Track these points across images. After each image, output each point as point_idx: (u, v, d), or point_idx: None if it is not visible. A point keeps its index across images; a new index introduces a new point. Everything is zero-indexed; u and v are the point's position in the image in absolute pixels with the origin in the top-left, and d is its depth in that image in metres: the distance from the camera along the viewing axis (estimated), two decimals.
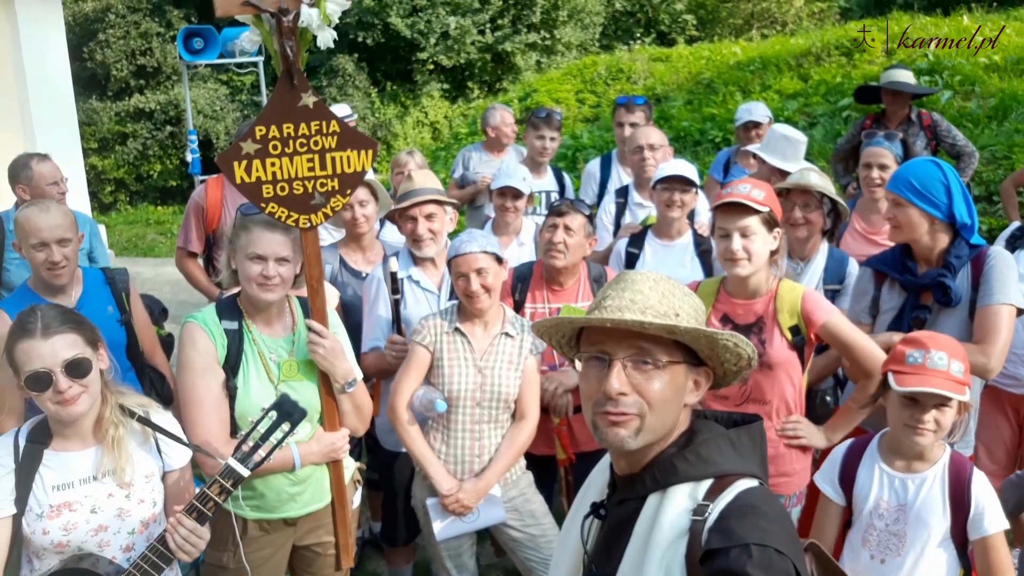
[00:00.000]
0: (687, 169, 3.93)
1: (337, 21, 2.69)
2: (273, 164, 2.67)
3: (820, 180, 3.63)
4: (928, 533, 2.49)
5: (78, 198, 9.23)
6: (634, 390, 1.54)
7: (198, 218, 4.62)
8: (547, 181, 5.42)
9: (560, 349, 1.76)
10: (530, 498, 3.35)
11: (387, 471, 3.74)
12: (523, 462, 3.37)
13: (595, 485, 1.79)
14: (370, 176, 3.53)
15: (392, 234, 4.35)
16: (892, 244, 3.30)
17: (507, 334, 3.25)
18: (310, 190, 2.71)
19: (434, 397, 3.16)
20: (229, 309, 2.81)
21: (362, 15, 15.26)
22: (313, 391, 2.82)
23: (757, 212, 2.91)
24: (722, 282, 3.12)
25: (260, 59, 11.05)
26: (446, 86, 16.18)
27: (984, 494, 2.47)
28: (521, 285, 3.64)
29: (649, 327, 1.53)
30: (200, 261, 4.78)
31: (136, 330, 3.56)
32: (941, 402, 2.45)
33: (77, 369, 2.23)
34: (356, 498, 3.20)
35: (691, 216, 4.13)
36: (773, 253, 3.00)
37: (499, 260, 3.21)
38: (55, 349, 2.21)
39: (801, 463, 3.07)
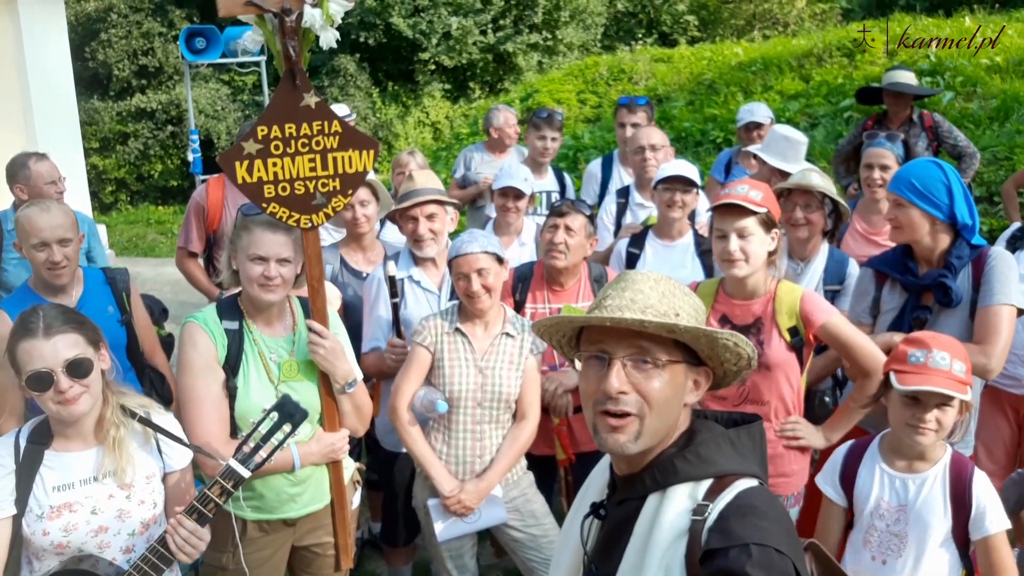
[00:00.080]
0: (688, 170, 3.94)
1: (340, 21, 2.69)
2: (275, 164, 2.67)
3: (821, 180, 3.63)
4: (929, 533, 2.49)
5: (79, 198, 9.24)
6: (634, 389, 1.55)
7: (199, 218, 4.62)
8: (548, 181, 5.42)
9: (560, 349, 1.77)
10: (531, 498, 3.35)
11: (387, 472, 3.74)
12: (524, 462, 3.38)
13: (595, 485, 1.79)
14: (371, 176, 3.52)
15: (392, 234, 4.35)
16: (893, 245, 3.30)
17: (508, 334, 3.25)
18: (311, 190, 2.71)
19: (435, 398, 3.16)
20: (229, 309, 2.81)
21: (364, 15, 15.25)
22: (313, 391, 2.82)
23: (754, 213, 2.90)
24: (721, 283, 3.12)
25: (262, 59, 11.06)
26: (447, 86, 16.17)
27: (985, 494, 2.47)
28: (522, 285, 3.64)
29: (649, 326, 1.53)
30: (200, 261, 4.78)
31: (136, 330, 3.56)
32: (943, 401, 2.46)
33: (78, 369, 2.23)
34: (356, 499, 3.20)
35: (692, 217, 4.14)
36: (771, 254, 2.99)
37: (500, 260, 3.21)
38: (56, 349, 2.21)
39: (799, 464, 3.08)
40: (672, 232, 4.03)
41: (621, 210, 4.67)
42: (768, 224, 2.96)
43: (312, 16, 2.62)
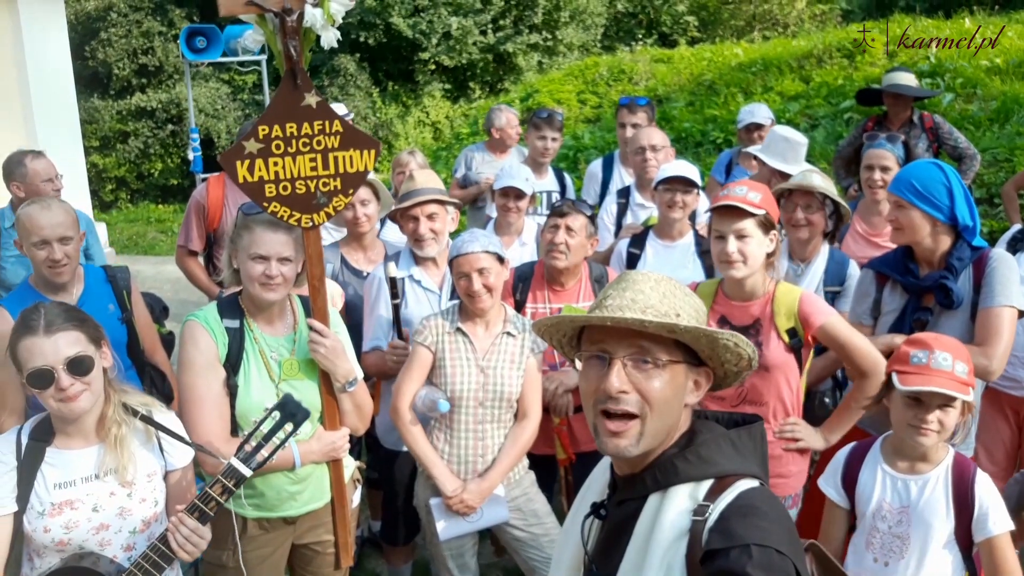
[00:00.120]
0: (689, 170, 3.94)
1: (341, 21, 2.69)
2: (276, 163, 2.67)
3: (822, 181, 3.63)
4: (931, 535, 2.49)
5: (79, 196, 9.26)
6: (634, 389, 1.54)
7: (199, 217, 4.62)
8: (548, 181, 5.43)
9: (561, 348, 1.77)
10: (532, 497, 3.35)
11: (387, 470, 3.74)
12: (526, 461, 3.38)
13: (595, 485, 1.79)
14: (371, 176, 3.53)
15: (393, 233, 4.35)
16: (893, 246, 3.31)
17: (509, 333, 3.25)
18: (312, 189, 2.72)
19: (437, 397, 3.16)
20: (230, 308, 2.81)
21: (364, 15, 15.25)
22: (314, 390, 2.82)
23: (753, 215, 2.91)
24: (720, 284, 3.12)
25: (263, 58, 11.05)
26: (448, 86, 16.17)
27: (988, 495, 2.47)
28: (522, 285, 3.65)
29: (649, 326, 1.53)
30: (200, 259, 4.78)
31: (137, 328, 3.56)
32: (945, 402, 2.46)
33: (79, 367, 2.23)
34: (356, 497, 3.20)
35: (692, 217, 4.14)
36: (769, 256, 3.00)
37: (501, 260, 3.21)
38: (57, 346, 2.21)
39: (798, 465, 3.08)
40: (673, 232, 4.03)
41: (622, 210, 4.67)
42: (767, 226, 2.96)
43: (313, 16, 2.62)
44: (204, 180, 4.85)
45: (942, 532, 2.49)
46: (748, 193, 2.93)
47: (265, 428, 2.35)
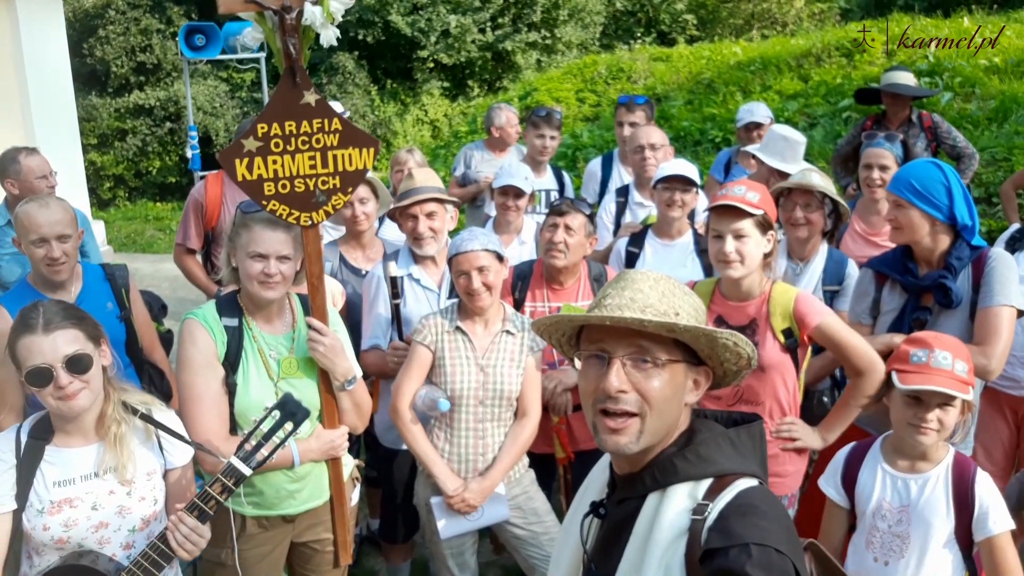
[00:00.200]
0: (688, 169, 3.94)
1: (340, 19, 2.69)
2: (275, 161, 2.67)
3: (822, 180, 3.64)
4: (932, 534, 2.49)
5: (77, 194, 9.26)
6: (633, 388, 1.54)
7: (197, 215, 4.61)
8: (547, 180, 5.43)
9: (560, 348, 1.76)
10: (532, 496, 3.35)
11: (386, 469, 3.74)
12: (526, 460, 3.38)
13: (595, 484, 1.79)
14: (370, 174, 3.53)
15: (391, 232, 4.35)
16: (891, 245, 3.31)
17: (508, 332, 3.25)
18: (311, 188, 2.71)
19: (437, 396, 3.16)
20: (229, 306, 2.81)
21: (363, 13, 15.25)
22: (313, 389, 2.82)
23: (751, 215, 2.91)
24: (717, 284, 3.12)
25: (262, 55, 11.04)
26: (446, 84, 16.17)
27: (989, 494, 2.47)
28: (521, 283, 3.65)
29: (649, 325, 1.53)
30: (198, 257, 4.78)
31: (135, 326, 3.56)
32: (944, 401, 2.46)
33: (78, 365, 2.23)
34: (355, 495, 3.20)
35: (691, 216, 4.14)
36: (766, 256, 3.00)
37: (500, 258, 3.21)
38: (56, 345, 2.21)
39: (795, 465, 3.08)
40: (671, 231, 4.03)
41: (620, 209, 4.67)
42: (764, 226, 2.96)
43: (312, 14, 2.62)
44: (202, 178, 4.84)
45: (942, 531, 2.49)
46: (746, 193, 2.92)
47: (265, 427, 2.35)
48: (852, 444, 2.76)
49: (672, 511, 1.53)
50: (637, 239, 4.09)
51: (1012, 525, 2.47)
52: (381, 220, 4.49)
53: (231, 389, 2.72)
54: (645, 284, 1.60)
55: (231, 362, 2.73)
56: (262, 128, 2.65)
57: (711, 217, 3.02)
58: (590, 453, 3.46)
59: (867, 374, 2.86)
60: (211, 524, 2.34)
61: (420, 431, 3.23)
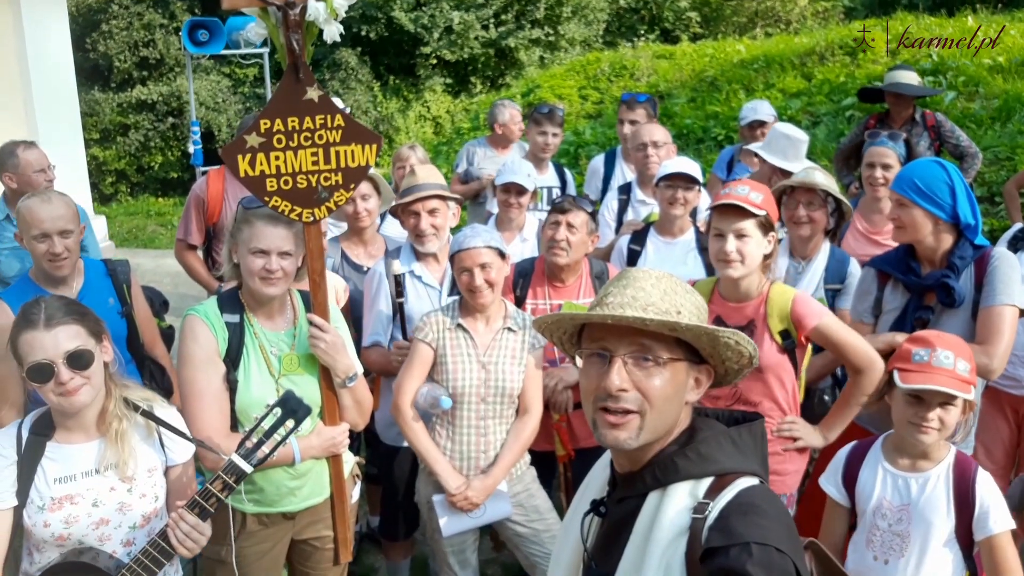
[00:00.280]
0: (690, 167, 3.93)
1: (344, 15, 2.69)
2: (277, 158, 2.67)
3: (825, 179, 3.63)
4: (932, 533, 2.49)
5: (79, 189, 9.26)
6: (634, 387, 1.54)
7: (198, 210, 4.61)
8: (549, 177, 5.42)
9: (561, 346, 1.76)
10: (534, 493, 3.36)
11: (386, 466, 3.74)
12: (527, 457, 3.38)
13: (595, 482, 1.79)
14: (372, 170, 3.53)
15: (393, 228, 4.35)
16: (894, 244, 3.30)
17: (509, 329, 3.25)
18: (314, 184, 2.71)
19: (438, 394, 3.16)
20: (230, 302, 2.81)
21: (366, 9, 15.22)
22: (314, 385, 2.82)
23: (754, 215, 2.90)
24: (716, 284, 3.12)
25: (265, 51, 11.03)
26: (449, 81, 16.15)
27: (989, 493, 2.47)
28: (523, 281, 3.64)
29: (650, 324, 1.53)
30: (200, 253, 4.77)
31: (137, 322, 3.56)
32: (946, 400, 2.46)
33: (79, 361, 2.23)
34: (355, 493, 3.20)
35: (693, 214, 4.13)
36: (766, 257, 3.00)
37: (502, 255, 3.21)
38: (57, 340, 2.21)
39: (795, 464, 3.08)
40: (674, 229, 4.03)
41: (623, 207, 4.67)
42: (766, 227, 2.96)
43: (316, 10, 2.62)
44: (204, 174, 4.83)
45: (942, 530, 2.49)
46: (751, 193, 2.92)
47: (266, 424, 2.35)
48: (853, 443, 2.76)
49: (673, 509, 1.53)
50: (639, 237, 4.09)
51: (1012, 525, 2.47)
52: (383, 217, 4.49)
53: (232, 386, 2.72)
54: (647, 282, 1.60)
55: (232, 358, 2.73)
56: (265, 124, 2.65)
57: (713, 216, 3.01)
58: (590, 451, 3.46)
59: (866, 372, 2.86)
60: (212, 522, 2.34)
61: (422, 429, 3.23)
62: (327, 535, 2.97)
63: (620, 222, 4.62)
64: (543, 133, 5.29)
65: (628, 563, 1.55)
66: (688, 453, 1.57)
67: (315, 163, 2.70)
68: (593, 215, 3.60)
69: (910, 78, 5.42)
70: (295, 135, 2.67)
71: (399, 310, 3.54)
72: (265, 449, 2.33)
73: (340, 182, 2.74)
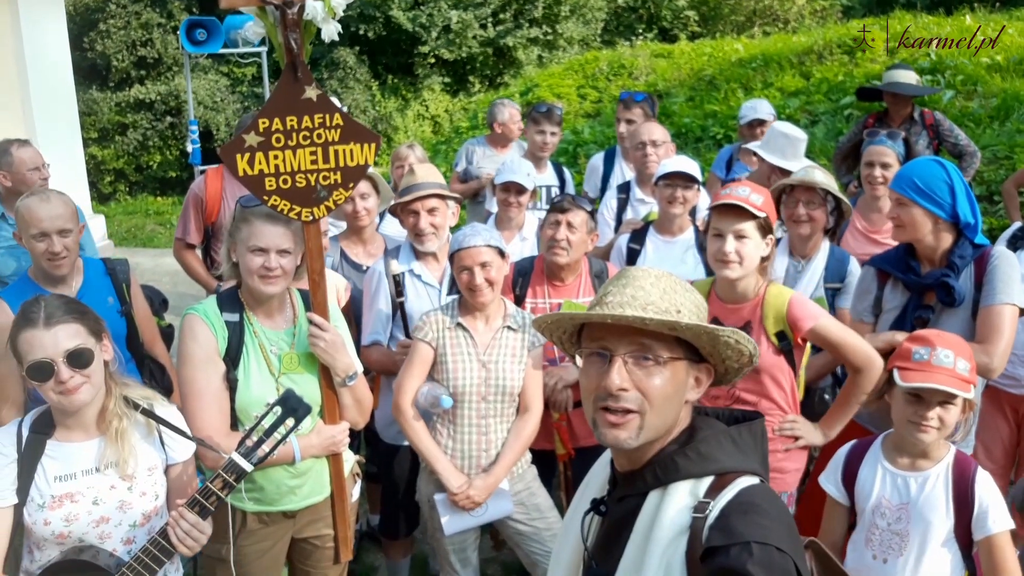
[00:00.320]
0: (689, 166, 3.93)
1: (342, 14, 2.69)
2: (276, 157, 2.67)
3: (824, 177, 3.63)
4: (931, 532, 2.49)
5: (77, 188, 9.25)
6: (635, 386, 1.54)
7: (197, 209, 4.61)
8: (547, 176, 5.42)
9: (561, 345, 1.76)
10: (535, 492, 3.36)
11: (386, 464, 3.74)
12: (528, 456, 3.38)
13: (595, 481, 1.79)
14: (371, 169, 3.52)
15: (392, 227, 4.35)
16: (892, 243, 3.30)
17: (509, 327, 3.25)
18: (313, 183, 2.71)
19: (439, 393, 3.16)
20: (230, 301, 2.81)
21: (364, 8, 15.22)
22: (314, 384, 2.82)
23: (754, 217, 2.90)
24: (713, 284, 3.12)
25: (263, 49, 11.03)
26: (447, 80, 16.14)
27: (988, 493, 2.47)
28: (522, 280, 3.64)
29: (650, 323, 1.53)
30: (198, 252, 4.77)
31: (136, 321, 3.56)
32: (945, 399, 2.46)
33: (79, 359, 2.23)
34: (355, 491, 3.20)
35: (693, 213, 4.13)
36: (764, 259, 3.00)
37: (502, 254, 3.21)
38: (57, 339, 2.21)
39: (795, 462, 3.08)
40: (673, 228, 4.03)
41: (622, 206, 4.67)
42: (765, 229, 2.96)
43: (314, 9, 2.61)
44: (202, 173, 4.83)
45: (941, 529, 2.49)
46: (751, 194, 2.92)
47: (266, 423, 2.35)
48: (853, 442, 2.76)
49: (673, 509, 1.53)
50: (638, 236, 4.09)
51: (1011, 525, 2.47)
52: (382, 216, 4.48)
53: (232, 384, 2.72)
54: (646, 281, 1.60)
55: (232, 357, 2.72)
56: (263, 123, 2.65)
57: (712, 216, 3.01)
58: (590, 450, 3.46)
59: (865, 371, 2.87)
60: (212, 520, 2.34)
61: (423, 428, 3.22)
62: (327, 534, 2.97)
63: (619, 221, 4.62)
64: (541, 132, 5.29)
65: (628, 562, 1.55)
66: (688, 452, 1.57)
67: (314, 162, 2.70)
68: (592, 214, 3.59)
69: (908, 77, 5.42)
70: (294, 134, 2.67)
71: (400, 309, 3.54)
72: (265, 448, 2.34)
73: (339, 181, 2.74)
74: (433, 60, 15.66)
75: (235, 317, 2.77)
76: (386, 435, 3.71)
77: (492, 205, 4.81)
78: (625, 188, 4.77)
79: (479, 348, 3.20)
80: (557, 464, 3.71)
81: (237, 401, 2.72)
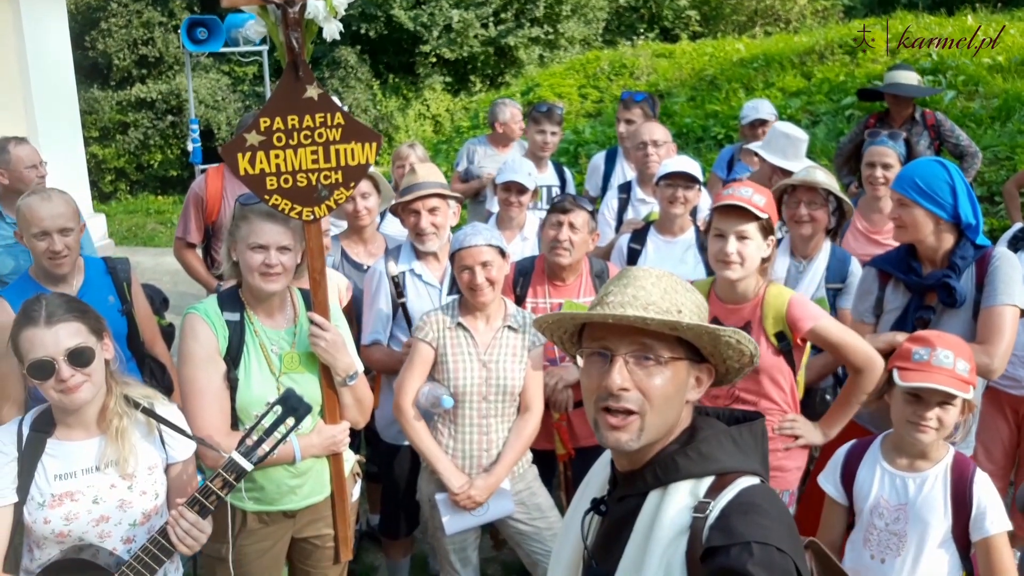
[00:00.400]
0: (690, 166, 3.93)
1: (343, 13, 2.68)
2: (277, 156, 2.67)
3: (826, 178, 3.63)
4: (928, 533, 2.49)
5: (78, 187, 9.26)
6: (635, 386, 1.54)
7: (197, 209, 4.61)
8: (548, 176, 5.42)
9: (562, 345, 1.76)
10: (536, 491, 3.36)
11: (387, 464, 3.74)
12: (529, 455, 3.38)
13: (595, 481, 1.79)
14: (372, 169, 3.52)
15: (393, 227, 4.35)
16: (893, 244, 3.30)
17: (510, 327, 3.25)
18: (314, 182, 2.71)
19: (440, 393, 3.16)
20: (231, 300, 2.81)
21: (365, 7, 15.22)
22: (314, 383, 2.82)
23: (756, 218, 2.90)
24: (712, 284, 3.12)
25: (264, 48, 11.03)
26: (448, 79, 16.14)
27: (987, 494, 2.47)
28: (523, 280, 3.64)
29: (651, 323, 1.52)
30: (199, 252, 4.77)
31: (137, 320, 3.56)
32: (944, 399, 2.46)
33: (80, 358, 2.23)
34: (355, 491, 3.20)
35: (694, 213, 4.13)
36: (764, 260, 3.00)
37: (503, 253, 3.21)
38: (58, 338, 2.21)
39: (795, 461, 3.08)
40: (674, 228, 4.03)
41: (623, 206, 4.67)
42: (767, 230, 2.96)
43: (315, 7, 2.61)
44: (203, 172, 4.82)
45: (939, 530, 2.49)
46: (754, 195, 2.92)
47: (266, 422, 2.35)
48: (852, 441, 2.76)
49: (673, 509, 1.53)
50: (639, 236, 4.09)
51: (1009, 526, 2.47)
52: (383, 215, 4.48)
53: (233, 384, 2.72)
54: (647, 281, 1.60)
55: (233, 357, 2.72)
56: (264, 122, 2.65)
57: (714, 216, 3.01)
58: (591, 450, 3.46)
59: (866, 371, 2.87)
60: (213, 519, 2.34)
61: (424, 428, 3.22)
62: (327, 533, 2.97)
63: (620, 221, 4.62)
64: (542, 132, 5.28)
65: (629, 561, 1.55)
66: (689, 452, 1.57)
67: (315, 161, 2.70)
68: (593, 214, 3.59)
69: (909, 78, 5.41)
70: (295, 133, 2.67)
71: (403, 309, 3.54)
72: (265, 447, 2.34)
73: (340, 180, 2.74)
74: (434, 59, 15.66)
75: (236, 316, 2.77)
76: (386, 435, 3.71)
77: (493, 205, 4.81)
78: (626, 188, 4.77)
79: (480, 348, 3.20)
80: (557, 464, 3.71)
81: (238, 400, 2.72)
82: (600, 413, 1.57)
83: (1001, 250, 3.09)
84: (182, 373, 2.73)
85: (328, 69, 15.59)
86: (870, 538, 2.59)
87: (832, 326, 2.95)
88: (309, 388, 2.77)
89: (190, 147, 10.72)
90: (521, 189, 4.21)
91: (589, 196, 5.15)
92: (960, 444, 2.72)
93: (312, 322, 2.76)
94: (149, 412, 2.43)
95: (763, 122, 5.30)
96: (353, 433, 2.99)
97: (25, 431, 2.33)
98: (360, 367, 2.92)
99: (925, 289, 3.08)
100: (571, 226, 3.47)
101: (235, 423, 2.74)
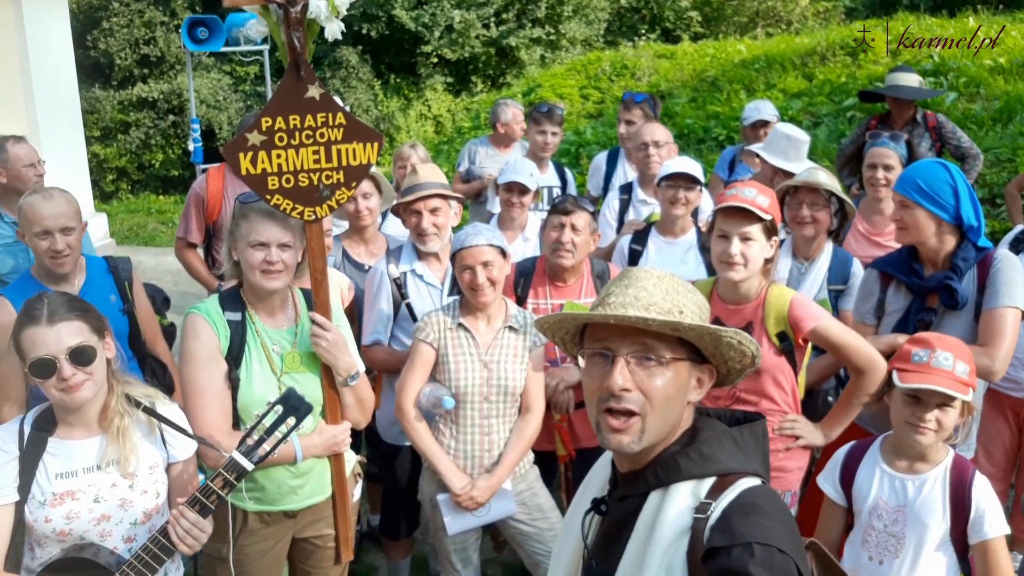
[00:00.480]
0: (692, 166, 3.93)
1: (345, 12, 2.68)
2: (279, 156, 2.67)
3: (828, 179, 3.63)
4: (927, 535, 2.49)
5: (80, 186, 9.26)
6: (637, 387, 1.54)
7: (198, 209, 4.61)
8: (549, 176, 5.42)
9: (563, 346, 1.76)
10: (537, 492, 3.36)
11: (387, 465, 3.74)
12: (530, 456, 3.38)
13: (596, 481, 1.79)
14: (373, 169, 3.53)
15: (394, 227, 4.35)
16: (895, 245, 3.30)
17: (511, 328, 3.25)
18: (315, 182, 2.71)
19: (441, 394, 3.16)
20: (232, 300, 2.81)
21: (367, 7, 15.22)
22: (315, 383, 2.81)
23: (760, 219, 2.90)
24: (714, 284, 3.12)
25: (265, 48, 11.04)
26: (450, 79, 16.14)
27: (985, 497, 2.47)
28: (524, 280, 3.64)
29: (653, 324, 1.53)
30: (200, 252, 4.77)
31: (138, 319, 3.56)
32: (944, 401, 2.46)
33: (81, 357, 2.23)
34: (356, 491, 3.20)
35: (695, 214, 4.13)
36: (767, 261, 3.00)
37: (504, 254, 3.21)
38: (60, 336, 2.21)
39: (797, 461, 3.08)
40: (675, 229, 4.03)
41: (624, 206, 4.67)
42: (770, 232, 2.96)
43: (317, 7, 2.61)
44: (204, 171, 4.82)
45: (937, 532, 2.49)
46: (757, 196, 2.92)
47: (267, 422, 2.35)
48: (852, 443, 2.76)
49: (674, 509, 1.53)
50: (640, 237, 4.09)
51: (1007, 530, 2.47)
52: (384, 215, 4.49)
53: (234, 383, 2.71)
54: (649, 282, 1.60)
55: (234, 356, 2.72)
56: (266, 122, 2.65)
57: (718, 217, 3.01)
58: (591, 451, 3.45)
59: (868, 372, 2.87)
60: (213, 519, 2.34)
61: (425, 429, 3.22)
62: (328, 534, 2.97)
63: (621, 222, 4.62)
64: (542, 132, 5.28)
65: (629, 562, 1.55)
66: (690, 453, 1.57)
67: (316, 161, 2.70)
68: (594, 215, 3.59)
69: (911, 79, 5.41)
70: (296, 133, 2.67)
71: (407, 309, 3.55)
72: (266, 447, 2.34)
73: (341, 180, 2.73)
74: (436, 60, 15.66)
75: (237, 316, 2.76)
76: (387, 435, 3.70)
77: (494, 205, 4.81)
78: (627, 189, 4.77)
79: (481, 348, 3.20)
80: (558, 465, 3.71)
81: (239, 400, 2.72)
82: (603, 415, 1.57)
83: (1003, 252, 3.09)
84: (183, 373, 2.73)
85: (330, 69, 15.60)
86: (868, 539, 2.59)
87: (834, 327, 2.95)
88: (310, 388, 2.77)
89: (191, 147, 10.71)
90: (523, 190, 4.22)
91: (590, 197, 5.15)
92: (961, 446, 2.72)
93: (314, 322, 2.76)
94: (150, 411, 2.43)
95: (764, 123, 5.30)
96: (354, 433, 2.99)
97: (26, 430, 2.33)
98: (362, 367, 2.91)
99: (927, 291, 3.08)
100: (573, 227, 3.47)
101: (236, 423, 2.74)
